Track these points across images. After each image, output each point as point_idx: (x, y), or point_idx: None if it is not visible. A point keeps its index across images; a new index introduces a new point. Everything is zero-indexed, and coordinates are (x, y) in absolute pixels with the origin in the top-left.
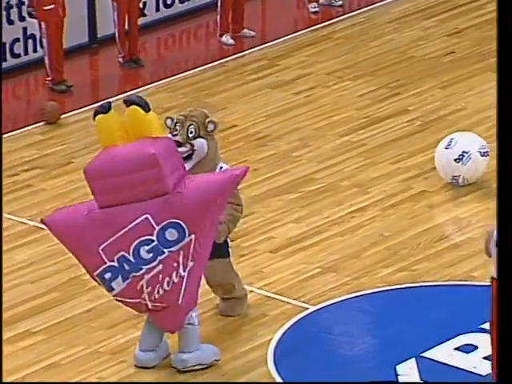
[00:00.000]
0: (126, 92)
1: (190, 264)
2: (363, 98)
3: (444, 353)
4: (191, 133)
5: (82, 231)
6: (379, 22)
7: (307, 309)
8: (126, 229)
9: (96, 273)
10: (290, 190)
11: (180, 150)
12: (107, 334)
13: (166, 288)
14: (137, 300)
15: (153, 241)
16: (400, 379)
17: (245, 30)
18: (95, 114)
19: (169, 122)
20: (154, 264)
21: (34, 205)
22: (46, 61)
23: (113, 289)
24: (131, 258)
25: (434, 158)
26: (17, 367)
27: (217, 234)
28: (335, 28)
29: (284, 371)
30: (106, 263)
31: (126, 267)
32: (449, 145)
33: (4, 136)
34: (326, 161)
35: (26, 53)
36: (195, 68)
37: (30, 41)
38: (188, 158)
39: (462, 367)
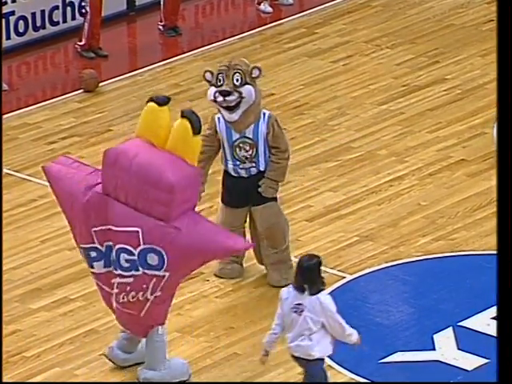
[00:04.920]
0: (164, 60)
1: (158, 293)
2: (402, 67)
3: (481, 322)
4: (237, 81)
5: (80, 206)
6: None
7: (344, 277)
8: (116, 228)
9: (83, 246)
10: (327, 158)
11: (228, 98)
12: None
13: (131, 300)
14: (108, 290)
15: (134, 254)
16: (437, 349)
17: None
18: (150, 101)
19: (208, 75)
20: (127, 274)
21: None
22: (86, 27)
23: (93, 267)
24: (114, 255)
25: (472, 126)
26: (55, 333)
27: (267, 190)
28: None
29: None
30: (94, 243)
31: (111, 258)
32: None
33: (42, 104)
34: (364, 129)
35: (65, 20)
36: (233, 36)
37: (69, 8)
38: (236, 106)
39: None
